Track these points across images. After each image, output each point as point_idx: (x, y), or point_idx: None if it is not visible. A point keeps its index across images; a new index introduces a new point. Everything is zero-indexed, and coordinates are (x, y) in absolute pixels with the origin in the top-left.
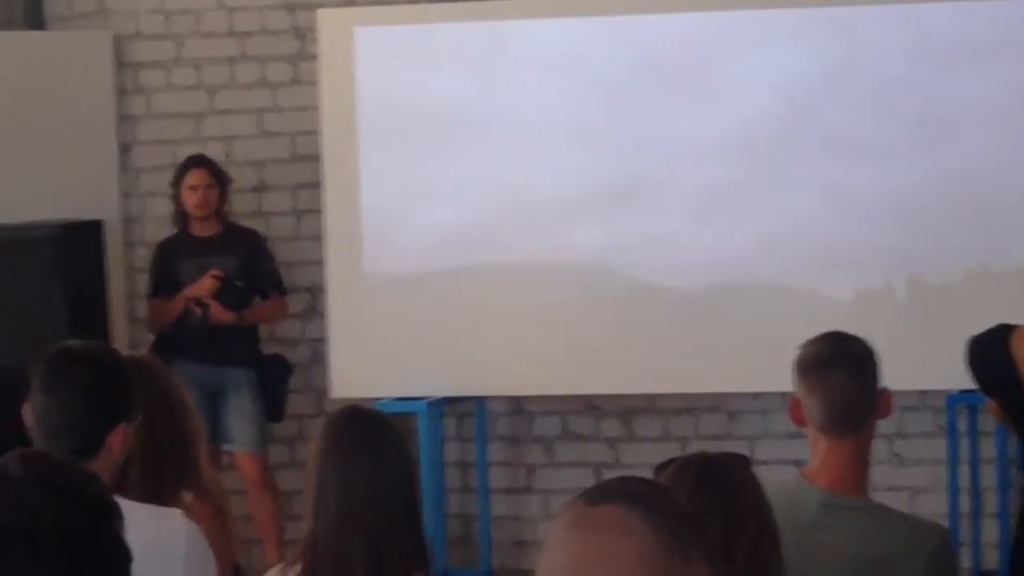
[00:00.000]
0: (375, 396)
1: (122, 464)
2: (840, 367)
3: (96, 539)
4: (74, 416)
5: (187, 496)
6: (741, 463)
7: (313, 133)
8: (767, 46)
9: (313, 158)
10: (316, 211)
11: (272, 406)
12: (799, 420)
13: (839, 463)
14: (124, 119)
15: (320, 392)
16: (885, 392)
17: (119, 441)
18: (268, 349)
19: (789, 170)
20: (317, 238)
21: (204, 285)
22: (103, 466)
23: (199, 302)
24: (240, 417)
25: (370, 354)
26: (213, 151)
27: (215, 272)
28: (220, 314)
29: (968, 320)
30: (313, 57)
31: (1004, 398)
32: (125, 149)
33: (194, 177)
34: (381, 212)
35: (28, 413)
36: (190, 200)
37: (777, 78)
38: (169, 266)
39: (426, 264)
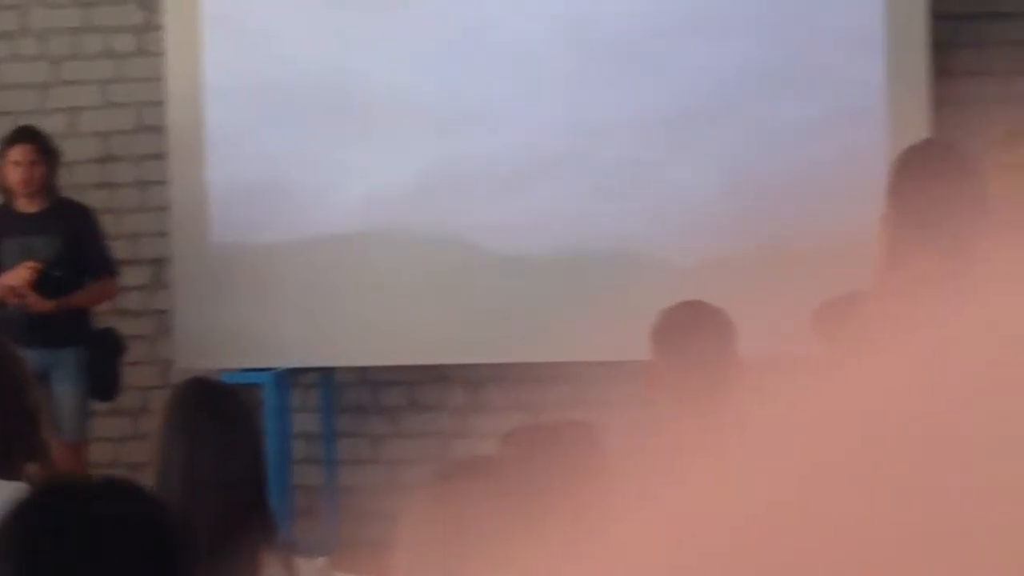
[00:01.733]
0: (221, 367)
1: None
2: (697, 336)
3: None
4: None
5: (32, 469)
6: (587, 431)
7: (159, 104)
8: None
9: (159, 129)
10: (161, 183)
11: (102, 384)
12: (654, 387)
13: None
14: None
15: (166, 364)
16: (742, 362)
17: None
18: (111, 322)
19: (641, 140)
20: (162, 209)
21: (20, 275)
22: None
23: (16, 292)
24: (59, 405)
25: (216, 325)
26: (57, 122)
27: (31, 264)
28: (38, 304)
29: (816, 288)
30: (159, 28)
31: None
32: None
33: (18, 152)
34: (227, 183)
35: None
36: (13, 176)
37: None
38: None
39: (272, 235)
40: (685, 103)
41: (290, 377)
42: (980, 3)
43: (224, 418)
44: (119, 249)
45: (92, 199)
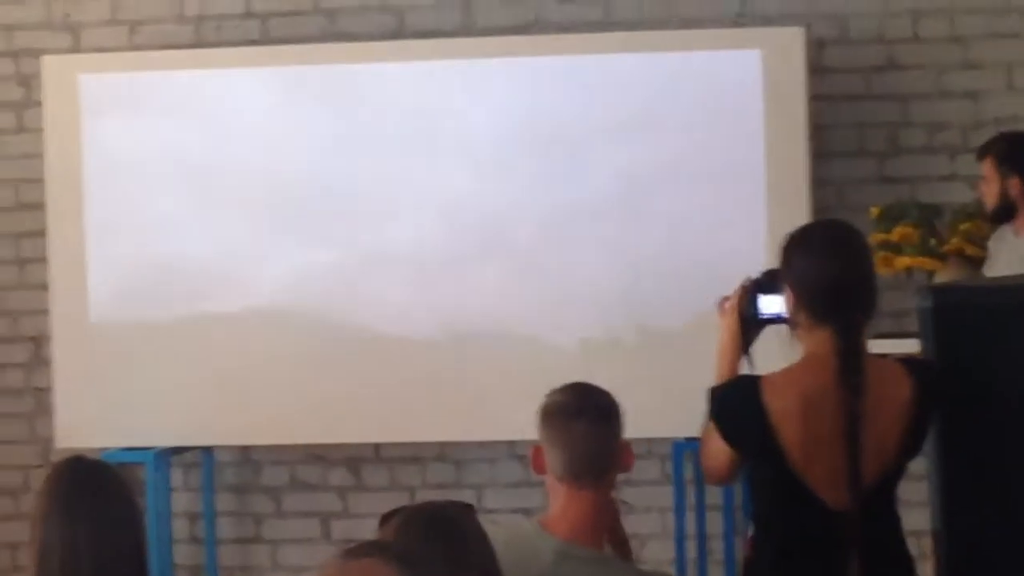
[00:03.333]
0: (102, 446)
1: None
2: (585, 418)
3: None
4: None
5: None
6: (466, 512)
7: (38, 181)
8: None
9: (38, 206)
10: (41, 260)
11: None
12: (540, 468)
13: (578, 513)
14: None
15: (46, 443)
16: (626, 445)
17: None
18: None
19: (511, 224)
20: (42, 287)
21: None
22: None
23: None
24: None
25: (96, 404)
26: None
27: None
28: None
29: (692, 368)
30: (38, 104)
31: (745, 449)
32: None
33: None
34: (107, 261)
35: None
36: None
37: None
38: None
39: (153, 314)
40: (588, 196)
41: (171, 456)
42: (855, 85)
43: (104, 497)
44: None
45: None
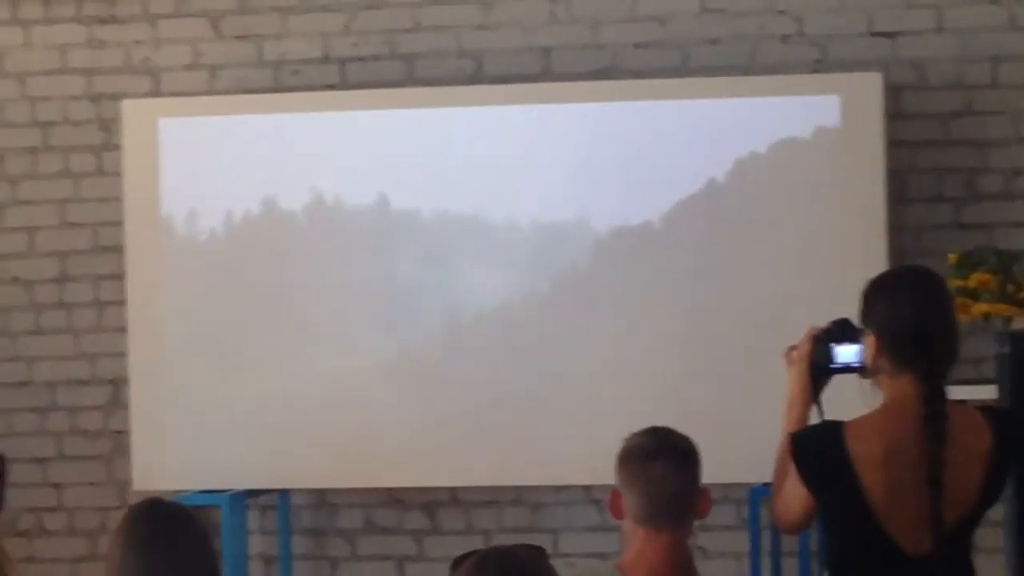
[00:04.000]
0: (178, 489)
1: None
2: (663, 460)
3: None
4: None
5: None
6: (538, 555)
7: (117, 224)
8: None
9: (116, 249)
10: (119, 303)
11: None
12: (617, 512)
13: (655, 557)
14: None
15: (123, 485)
16: (705, 491)
17: None
18: (70, 443)
19: (587, 268)
20: (120, 330)
21: None
22: None
23: None
24: None
25: (173, 446)
26: (15, 242)
27: None
28: None
29: (767, 413)
30: (117, 148)
31: (827, 494)
32: None
33: None
34: (184, 305)
35: None
36: None
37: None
38: None
39: (229, 358)
40: (664, 237)
41: (246, 499)
42: (933, 130)
43: (180, 539)
44: (77, 370)
45: (50, 319)
